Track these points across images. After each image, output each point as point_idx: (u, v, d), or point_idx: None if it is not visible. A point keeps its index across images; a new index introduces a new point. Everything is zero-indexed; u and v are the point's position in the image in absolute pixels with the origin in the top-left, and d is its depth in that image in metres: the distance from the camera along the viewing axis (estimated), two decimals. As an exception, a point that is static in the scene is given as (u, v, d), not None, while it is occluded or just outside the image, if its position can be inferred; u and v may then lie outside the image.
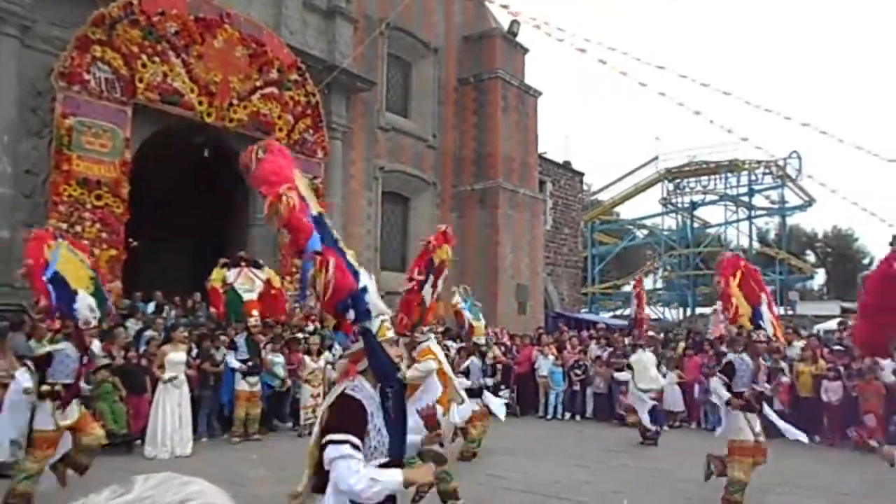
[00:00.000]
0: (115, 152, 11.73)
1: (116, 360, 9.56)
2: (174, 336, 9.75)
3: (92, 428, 6.52)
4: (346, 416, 2.69)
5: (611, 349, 14.42)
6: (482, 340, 9.98)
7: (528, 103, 21.03)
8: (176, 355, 9.42)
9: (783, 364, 12.70)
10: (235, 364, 10.38)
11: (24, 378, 6.18)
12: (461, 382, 8.76)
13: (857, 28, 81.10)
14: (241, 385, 10.49)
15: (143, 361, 9.81)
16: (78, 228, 11.14)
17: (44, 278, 6.53)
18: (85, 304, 6.26)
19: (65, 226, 11.00)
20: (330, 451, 2.59)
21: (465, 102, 20.15)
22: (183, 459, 8.91)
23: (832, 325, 14.90)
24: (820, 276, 44.45)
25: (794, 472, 8.60)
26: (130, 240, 12.18)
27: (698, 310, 31.20)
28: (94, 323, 6.34)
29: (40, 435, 6.06)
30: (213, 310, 11.72)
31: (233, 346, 10.54)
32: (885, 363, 11.04)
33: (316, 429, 2.78)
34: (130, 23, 11.95)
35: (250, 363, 10.51)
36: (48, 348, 6.51)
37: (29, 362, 6.41)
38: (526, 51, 21.32)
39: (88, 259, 7.33)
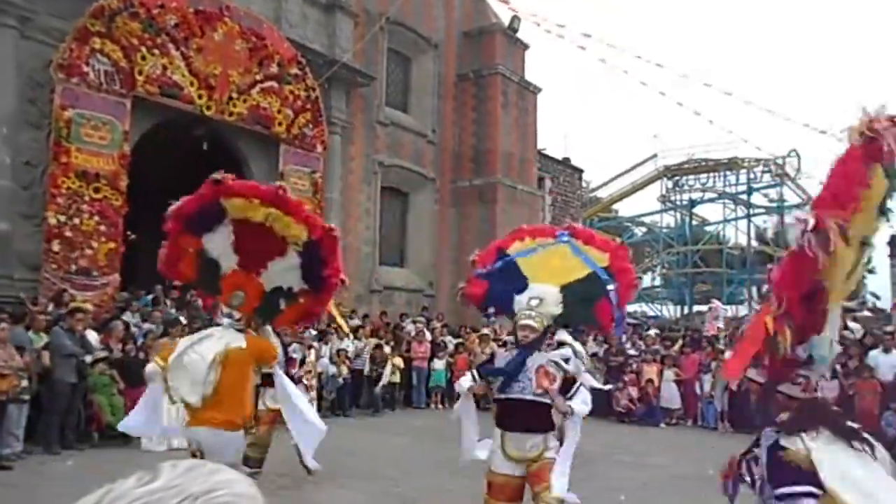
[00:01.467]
0: (114, 145, 11.71)
1: (114, 353, 9.57)
2: (172, 330, 9.74)
3: None
4: None
5: (607, 346, 14.44)
6: None
7: (527, 99, 21.00)
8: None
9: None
10: None
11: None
12: None
13: (856, 28, 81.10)
14: None
15: (141, 354, 9.81)
16: (76, 221, 11.14)
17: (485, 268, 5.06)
18: (526, 297, 4.64)
19: (63, 218, 11.00)
20: None
21: (464, 98, 20.12)
22: (179, 452, 8.90)
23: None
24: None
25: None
26: (129, 233, 12.17)
27: (696, 307, 31.22)
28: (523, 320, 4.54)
29: None
30: (201, 302, 11.70)
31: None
32: (881, 360, 11.07)
33: None
34: (130, 15, 11.91)
35: None
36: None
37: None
38: (526, 47, 21.28)
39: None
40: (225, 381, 4.56)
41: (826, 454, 2.49)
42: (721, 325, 16.78)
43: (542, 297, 4.59)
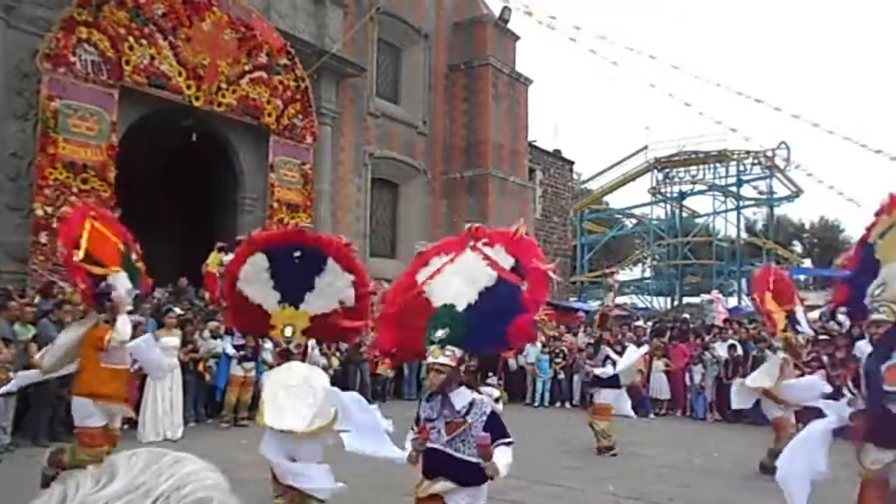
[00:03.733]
0: (102, 136, 11.61)
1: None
2: (167, 321, 9.72)
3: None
4: None
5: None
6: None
7: (518, 91, 20.98)
8: (169, 340, 9.41)
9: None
10: (230, 350, 10.36)
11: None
12: (604, 371, 9.34)
13: (845, 20, 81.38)
14: (236, 370, 10.48)
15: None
16: (64, 212, 11.05)
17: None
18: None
19: (50, 209, 10.91)
20: None
21: (455, 89, 20.07)
22: (173, 443, 8.90)
23: (817, 314, 15.04)
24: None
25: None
26: (117, 224, 12.07)
27: (686, 299, 31.38)
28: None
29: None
30: (207, 294, 11.67)
31: (229, 332, 10.51)
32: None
33: None
34: (117, 4, 11.79)
35: (244, 349, 10.51)
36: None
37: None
38: (517, 38, 21.23)
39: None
40: None
41: None
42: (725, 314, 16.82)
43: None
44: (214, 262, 11.20)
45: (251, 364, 10.59)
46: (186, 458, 0.73)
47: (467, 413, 3.63)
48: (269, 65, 14.22)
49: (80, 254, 5.65)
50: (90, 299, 5.93)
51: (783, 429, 8.03)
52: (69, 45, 11.18)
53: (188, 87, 12.88)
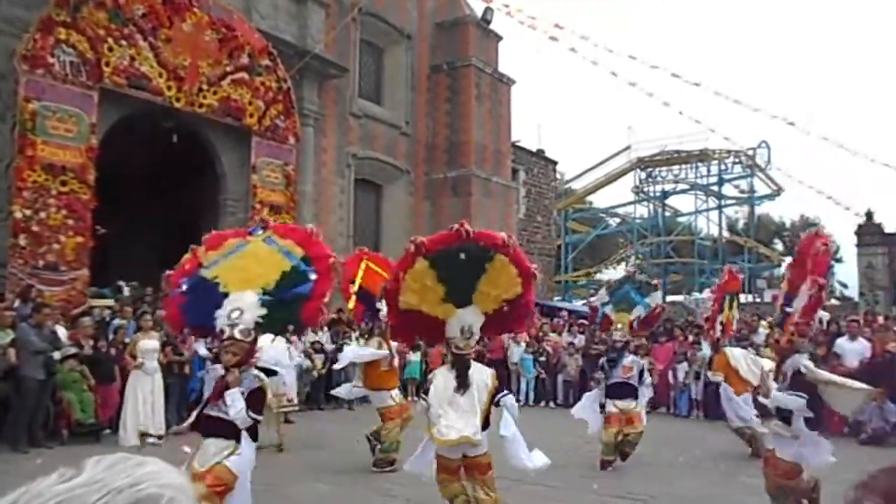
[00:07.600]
0: (81, 137, 11.49)
1: (84, 350, 9.43)
2: (143, 324, 9.60)
3: None
4: None
5: (583, 335, 14.56)
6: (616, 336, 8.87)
7: (501, 91, 21.02)
8: (148, 343, 9.31)
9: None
10: (203, 351, 10.26)
11: None
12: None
13: (823, 20, 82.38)
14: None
15: (112, 350, 9.68)
16: (42, 215, 10.93)
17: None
18: (226, 310, 4.51)
19: (29, 212, 10.79)
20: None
21: (437, 90, 20.07)
22: (155, 447, 8.81)
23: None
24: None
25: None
26: (97, 227, 11.97)
27: (669, 297, 31.58)
28: (227, 332, 4.52)
29: None
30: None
31: (203, 334, 10.43)
32: (847, 348, 11.28)
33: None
34: (96, 5, 11.68)
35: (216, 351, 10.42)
36: None
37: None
38: (499, 38, 21.28)
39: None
40: None
41: None
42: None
43: (241, 307, 4.45)
44: None
45: None
46: (151, 461, 0.77)
47: None
48: (250, 65, 14.14)
49: (356, 287, 7.71)
50: (360, 319, 8.58)
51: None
52: (47, 45, 11.05)
53: (168, 88, 12.78)
